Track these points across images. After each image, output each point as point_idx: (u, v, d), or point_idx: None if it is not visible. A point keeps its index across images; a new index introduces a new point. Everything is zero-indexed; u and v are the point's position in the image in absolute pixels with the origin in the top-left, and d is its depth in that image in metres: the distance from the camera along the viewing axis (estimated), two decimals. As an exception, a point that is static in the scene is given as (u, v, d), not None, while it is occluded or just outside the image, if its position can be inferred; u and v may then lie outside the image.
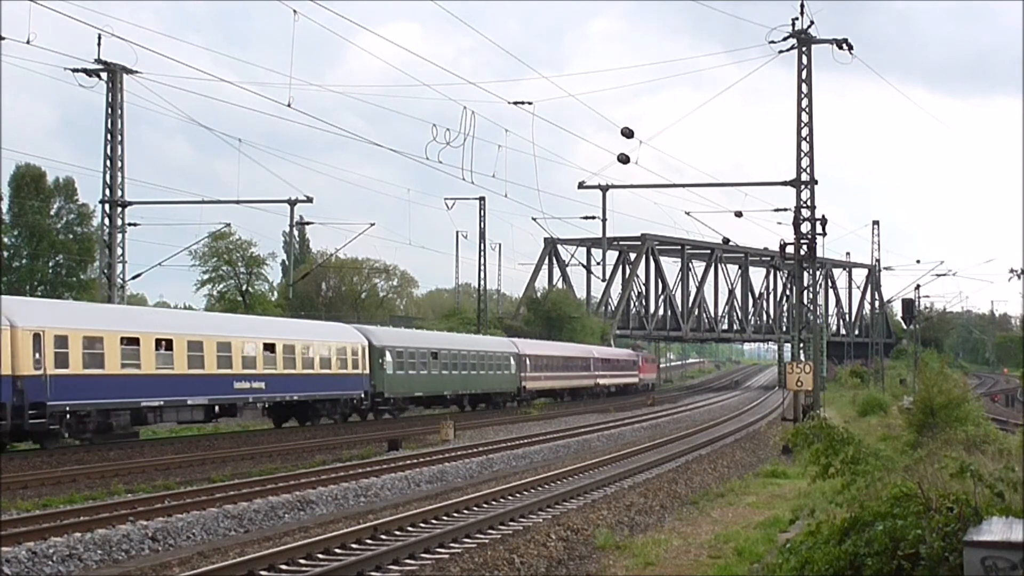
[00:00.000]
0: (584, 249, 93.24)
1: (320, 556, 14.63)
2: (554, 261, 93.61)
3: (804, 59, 39.97)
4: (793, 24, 39.03)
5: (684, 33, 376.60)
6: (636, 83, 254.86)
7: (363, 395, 42.73)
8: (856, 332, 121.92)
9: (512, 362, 57.67)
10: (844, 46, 39.29)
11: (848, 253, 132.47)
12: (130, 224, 44.46)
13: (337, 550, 15.07)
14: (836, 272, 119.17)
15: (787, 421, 39.19)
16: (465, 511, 18.90)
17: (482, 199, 68.71)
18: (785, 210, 42.50)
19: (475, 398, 54.62)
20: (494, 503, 20.00)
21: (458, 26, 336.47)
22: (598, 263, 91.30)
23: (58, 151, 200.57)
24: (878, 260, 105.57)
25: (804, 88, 40.37)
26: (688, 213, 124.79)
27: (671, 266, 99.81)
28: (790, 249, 39.91)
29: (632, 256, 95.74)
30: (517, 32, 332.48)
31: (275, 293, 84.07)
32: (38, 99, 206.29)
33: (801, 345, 45.07)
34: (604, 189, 68.28)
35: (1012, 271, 26.34)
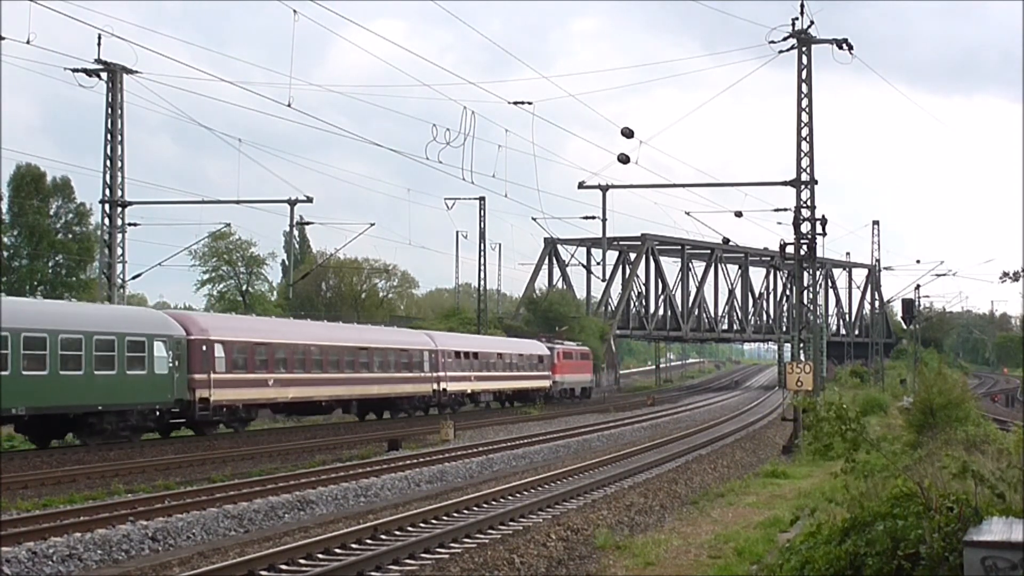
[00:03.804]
0: (584, 249, 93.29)
1: (320, 556, 14.63)
2: (554, 261, 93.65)
3: (804, 59, 39.99)
4: (793, 24, 39.08)
5: (668, 32, 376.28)
6: (624, 84, 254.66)
7: None
8: (856, 332, 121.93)
9: (164, 353, 31.97)
10: (844, 46, 39.32)
11: (848, 253, 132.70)
12: (130, 224, 44.52)
13: (337, 550, 15.07)
14: (836, 272, 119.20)
15: (787, 421, 39.21)
16: (465, 511, 18.90)
17: (482, 199, 68.81)
18: (785, 210, 42.52)
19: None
20: (494, 503, 20.00)
21: (439, 25, 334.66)
22: (598, 263, 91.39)
23: (43, 149, 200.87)
24: (878, 260, 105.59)
25: (804, 88, 40.38)
26: (688, 213, 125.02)
27: (671, 266, 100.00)
28: (790, 249, 39.92)
29: (632, 256, 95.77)
30: (500, 31, 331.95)
31: (275, 293, 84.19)
32: (21, 97, 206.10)
33: (801, 345, 45.04)
34: (604, 189, 68.28)
35: (1005, 274, 26.35)
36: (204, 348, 33.79)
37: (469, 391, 53.38)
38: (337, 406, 43.19)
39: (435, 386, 48.93)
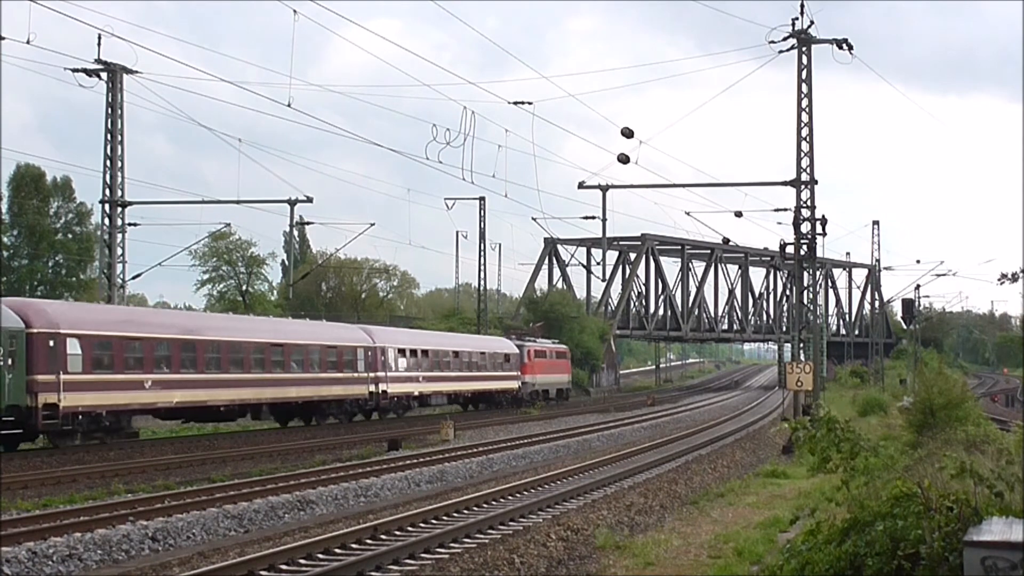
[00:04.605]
0: (584, 249, 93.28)
1: (320, 556, 14.63)
2: (554, 261, 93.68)
3: (804, 59, 40.02)
4: (793, 24, 39.12)
5: (664, 31, 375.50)
6: (622, 84, 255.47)
7: None
8: (856, 332, 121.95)
9: None
10: (844, 46, 39.35)
11: (848, 253, 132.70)
12: (130, 224, 44.55)
13: (337, 550, 15.07)
14: (836, 272, 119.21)
15: (787, 421, 39.25)
16: (465, 511, 18.90)
17: (482, 199, 68.81)
18: (785, 210, 42.55)
19: None
20: (494, 503, 20.00)
21: (434, 24, 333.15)
22: (598, 263, 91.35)
23: (42, 149, 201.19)
24: (878, 260, 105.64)
25: (804, 88, 40.40)
26: (688, 213, 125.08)
27: (671, 266, 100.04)
28: (790, 249, 39.95)
29: (632, 256, 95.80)
30: (497, 30, 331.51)
31: (275, 293, 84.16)
32: (21, 97, 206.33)
33: (801, 345, 45.07)
34: (604, 189, 68.25)
35: (1003, 275, 26.42)
36: (51, 343, 28.22)
37: (416, 393, 46.82)
38: (243, 411, 37.62)
39: (372, 388, 43.09)
